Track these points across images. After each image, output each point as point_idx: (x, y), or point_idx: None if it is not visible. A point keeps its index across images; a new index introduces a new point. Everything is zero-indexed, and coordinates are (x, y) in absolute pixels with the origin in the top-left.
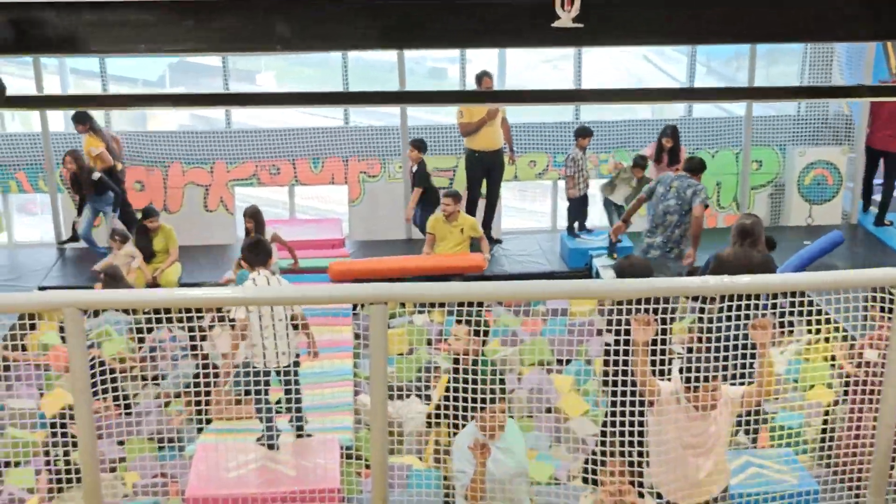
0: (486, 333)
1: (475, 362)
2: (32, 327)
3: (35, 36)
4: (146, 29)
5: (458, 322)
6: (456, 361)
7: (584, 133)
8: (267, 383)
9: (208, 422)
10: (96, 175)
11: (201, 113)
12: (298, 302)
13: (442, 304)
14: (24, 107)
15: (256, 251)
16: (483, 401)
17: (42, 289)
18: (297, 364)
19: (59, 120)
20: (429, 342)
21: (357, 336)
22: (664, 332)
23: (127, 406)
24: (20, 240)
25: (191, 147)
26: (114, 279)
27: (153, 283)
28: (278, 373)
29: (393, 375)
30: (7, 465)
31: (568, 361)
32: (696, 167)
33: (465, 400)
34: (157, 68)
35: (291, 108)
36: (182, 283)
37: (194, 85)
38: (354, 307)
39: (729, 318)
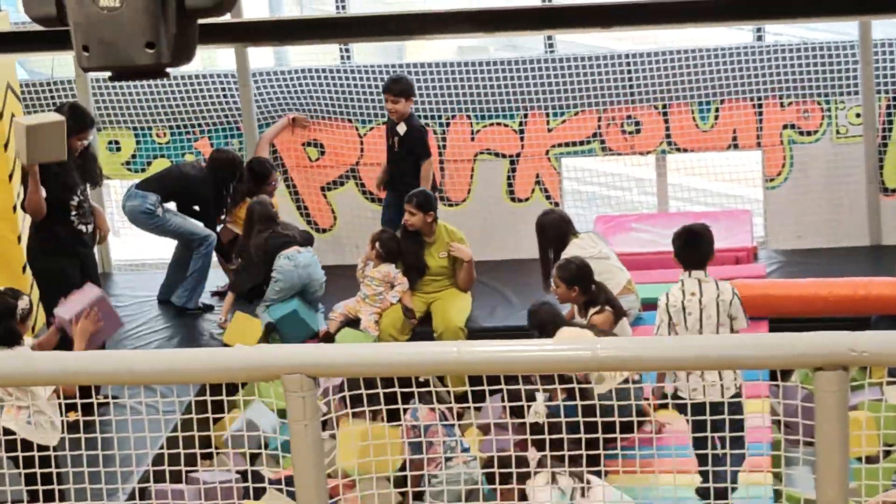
0: None
1: None
2: (223, 408)
3: None
4: None
5: None
6: None
7: None
8: None
9: None
10: None
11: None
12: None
13: None
14: (228, 41)
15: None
16: None
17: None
18: None
19: (266, 52)
20: None
21: (784, 425)
22: None
23: None
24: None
25: (484, 89)
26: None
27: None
28: None
29: None
30: None
31: None
32: None
33: None
34: None
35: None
36: (472, 331)
37: None
38: (777, 372)
39: None
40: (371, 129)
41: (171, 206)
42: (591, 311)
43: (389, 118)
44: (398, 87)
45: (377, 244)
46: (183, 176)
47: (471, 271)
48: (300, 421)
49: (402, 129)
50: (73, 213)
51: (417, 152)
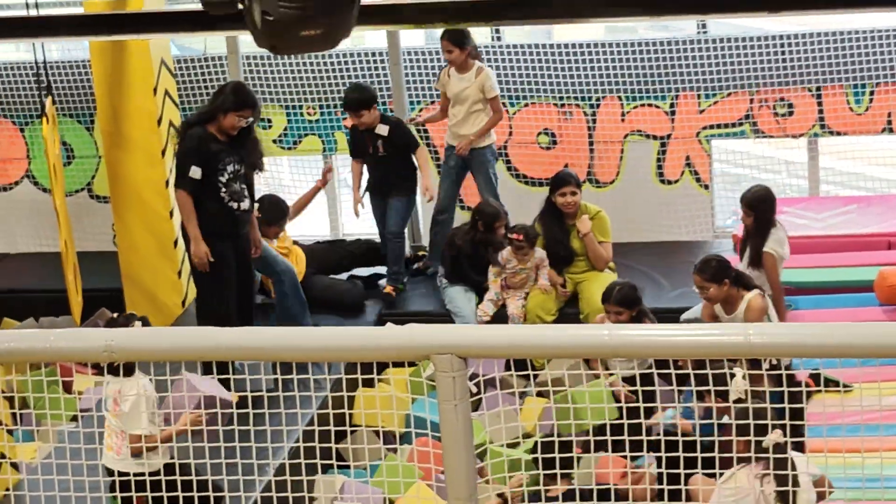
0: None
1: None
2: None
3: None
4: None
5: None
6: None
7: None
8: None
9: None
10: None
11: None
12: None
13: None
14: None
15: None
16: None
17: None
18: None
19: (416, 31)
20: None
21: None
22: None
23: None
24: (353, 231)
25: (633, 70)
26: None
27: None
28: None
29: None
30: None
31: None
32: None
33: None
34: None
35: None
36: None
37: None
38: None
39: None
40: (520, 108)
41: None
42: (748, 295)
43: (359, 132)
44: (355, 103)
45: (523, 237)
46: None
47: (593, 247)
48: (450, 401)
49: (383, 130)
50: (223, 190)
51: (409, 142)
